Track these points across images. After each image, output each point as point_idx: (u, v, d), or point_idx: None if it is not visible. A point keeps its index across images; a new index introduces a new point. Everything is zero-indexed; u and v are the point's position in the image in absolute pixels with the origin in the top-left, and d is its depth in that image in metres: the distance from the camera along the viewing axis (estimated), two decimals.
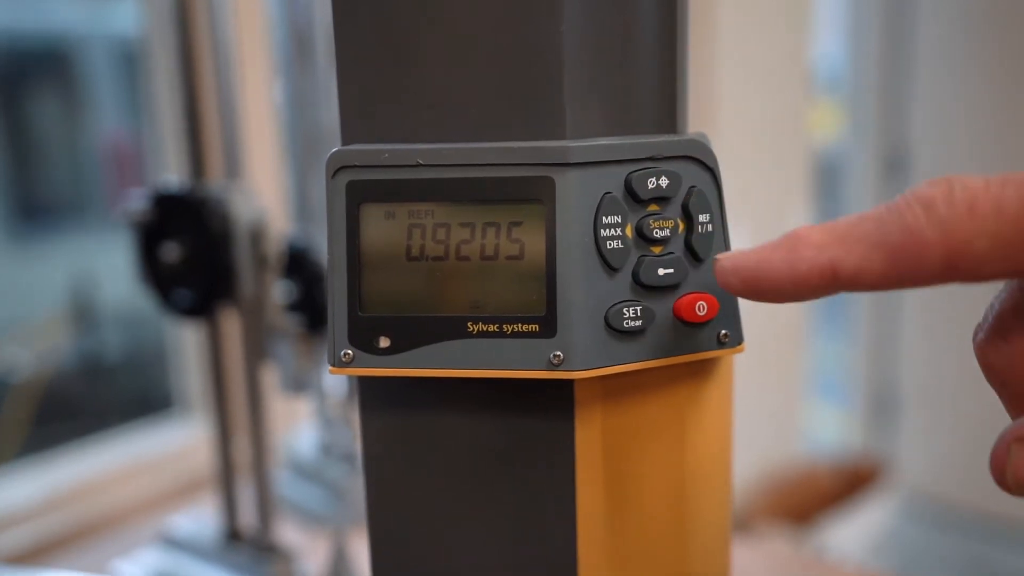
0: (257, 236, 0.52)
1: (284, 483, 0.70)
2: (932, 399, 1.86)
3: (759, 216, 1.53)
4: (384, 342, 0.26)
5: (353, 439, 0.68)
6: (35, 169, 1.60)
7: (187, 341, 0.92)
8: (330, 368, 0.26)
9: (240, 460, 0.58)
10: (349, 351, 0.26)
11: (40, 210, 1.68)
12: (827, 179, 1.99)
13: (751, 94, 1.45)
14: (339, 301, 0.26)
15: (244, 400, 0.56)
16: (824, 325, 2.19)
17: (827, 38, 1.95)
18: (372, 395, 0.29)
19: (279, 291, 0.55)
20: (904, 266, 0.20)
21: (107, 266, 1.49)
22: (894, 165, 1.89)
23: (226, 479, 0.57)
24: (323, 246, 0.58)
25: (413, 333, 0.26)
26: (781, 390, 1.67)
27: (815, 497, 1.52)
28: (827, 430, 2.17)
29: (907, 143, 1.86)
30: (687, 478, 0.29)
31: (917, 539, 1.76)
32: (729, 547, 0.31)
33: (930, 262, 0.19)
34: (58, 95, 1.62)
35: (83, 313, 1.44)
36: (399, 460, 0.29)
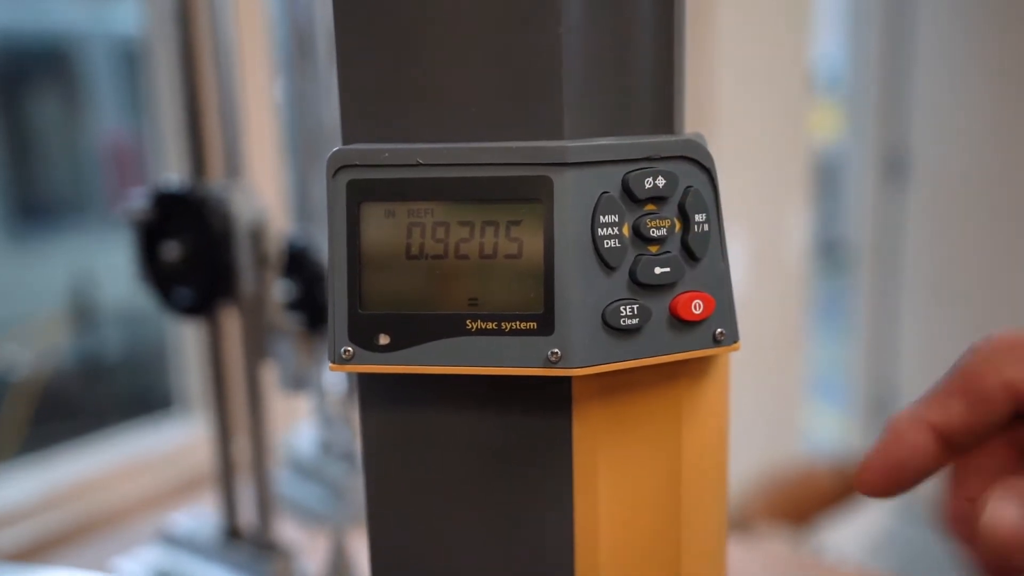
0: (257, 235, 0.52)
1: (284, 482, 0.70)
2: None
3: (758, 216, 1.53)
4: (384, 339, 0.26)
5: (353, 438, 0.69)
6: (35, 168, 1.60)
7: (187, 340, 0.92)
8: (330, 365, 0.26)
9: (240, 458, 0.58)
10: (349, 348, 0.26)
11: (40, 209, 1.68)
12: (827, 179, 1.99)
13: (751, 94, 1.45)
14: (339, 299, 0.26)
15: (244, 399, 0.56)
16: (823, 327, 2.19)
17: (827, 38, 1.95)
18: (372, 393, 0.29)
19: (279, 290, 0.55)
20: (976, 404, 0.23)
21: (107, 265, 1.49)
22: (894, 165, 1.89)
23: (226, 477, 0.57)
24: (323, 245, 0.58)
25: (412, 330, 0.26)
26: (780, 392, 1.67)
27: (814, 497, 1.52)
28: (826, 431, 2.17)
29: (907, 143, 1.87)
30: (683, 475, 0.29)
31: (915, 540, 1.76)
32: (725, 544, 0.31)
33: (994, 393, 0.23)
34: (58, 94, 1.62)
35: (83, 312, 1.44)
36: (398, 457, 0.29)
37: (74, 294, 1.42)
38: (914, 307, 1.86)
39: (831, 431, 2.16)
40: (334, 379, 0.66)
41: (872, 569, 0.72)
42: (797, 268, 1.66)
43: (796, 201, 1.63)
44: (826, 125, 2.15)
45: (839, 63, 1.99)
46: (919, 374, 1.87)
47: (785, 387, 1.69)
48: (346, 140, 0.27)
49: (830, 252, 2.29)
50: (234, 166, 0.56)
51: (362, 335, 0.26)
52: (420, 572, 0.30)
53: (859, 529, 1.59)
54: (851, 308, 2.00)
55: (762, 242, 1.53)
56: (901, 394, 1.91)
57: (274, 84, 0.81)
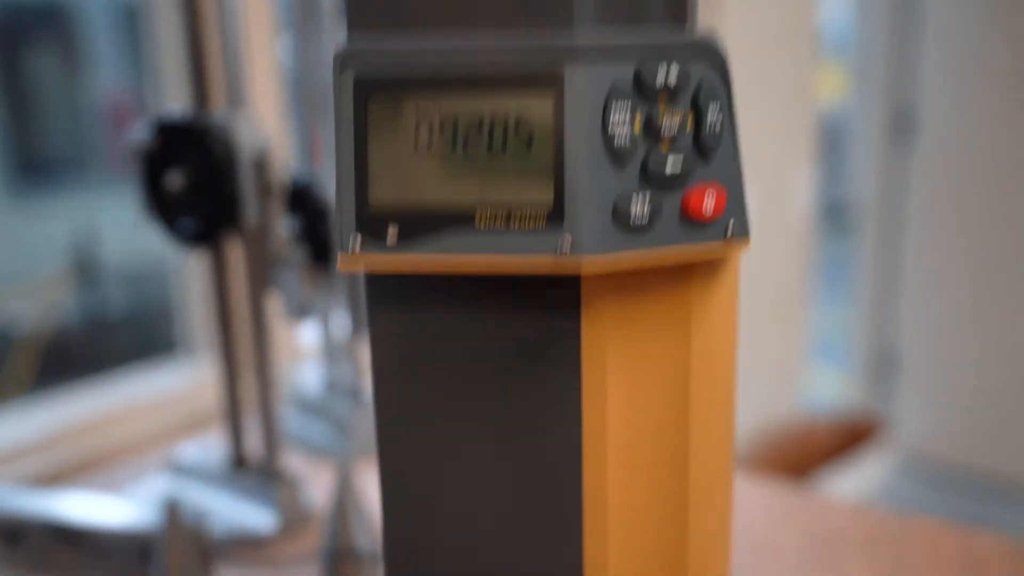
0: (261, 164, 0.52)
1: (289, 419, 0.71)
2: (930, 361, 1.86)
3: (765, 178, 1.52)
4: (392, 235, 0.26)
5: (357, 375, 0.69)
6: (37, 126, 1.59)
7: (190, 288, 0.92)
8: (339, 259, 0.26)
9: (246, 396, 0.58)
10: (358, 243, 0.26)
11: (42, 167, 1.68)
12: (832, 141, 1.97)
13: (758, 56, 1.44)
14: (347, 196, 0.26)
15: (249, 333, 0.56)
16: (825, 288, 2.19)
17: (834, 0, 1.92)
18: (380, 296, 0.29)
19: (283, 226, 0.55)
20: None
21: (109, 222, 1.49)
22: (900, 127, 1.87)
23: (232, 411, 0.58)
24: (328, 184, 0.58)
25: (421, 225, 0.26)
26: (783, 351, 1.67)
27: (814, 452, 1.53)
28: (827, 391, 2.19)
29: (914, 105, 1.85)
30: (692, 378, 0.29)
31: (911, 496, 1.78)
32: (732, 446, 0.31)
33: None
34: (58, 52, 1.60)
35: (85, 268, 1.44)
36: (407, 362, 0.29)
37: (76, 251, 1.42)
38: (917, 268, 1.86)
39: (832, 391, 2.18)
40: (339, 318, 0.66)
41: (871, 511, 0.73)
42: (801, 229, 1.65)
43: (801, 162, 1.62)
44: (832, 86, 2.13)
45: (846, 25, 1.97)
46: (921, 335, 1.88)
47: (788, 348, 1.69)
48: (350, 28, 0.27)
49: (834, 213, 2.28)
50: (237, 99, 0.55)
51: (370, 231, 0.26)
52: (429, 476, 0.30)
53: (857, 483, 1.60)
54: (854, 269, 2.00)
55: (766, 203, 1.52)
56: (902, 355, 1.92)
57: (278, 43, 0.80)
